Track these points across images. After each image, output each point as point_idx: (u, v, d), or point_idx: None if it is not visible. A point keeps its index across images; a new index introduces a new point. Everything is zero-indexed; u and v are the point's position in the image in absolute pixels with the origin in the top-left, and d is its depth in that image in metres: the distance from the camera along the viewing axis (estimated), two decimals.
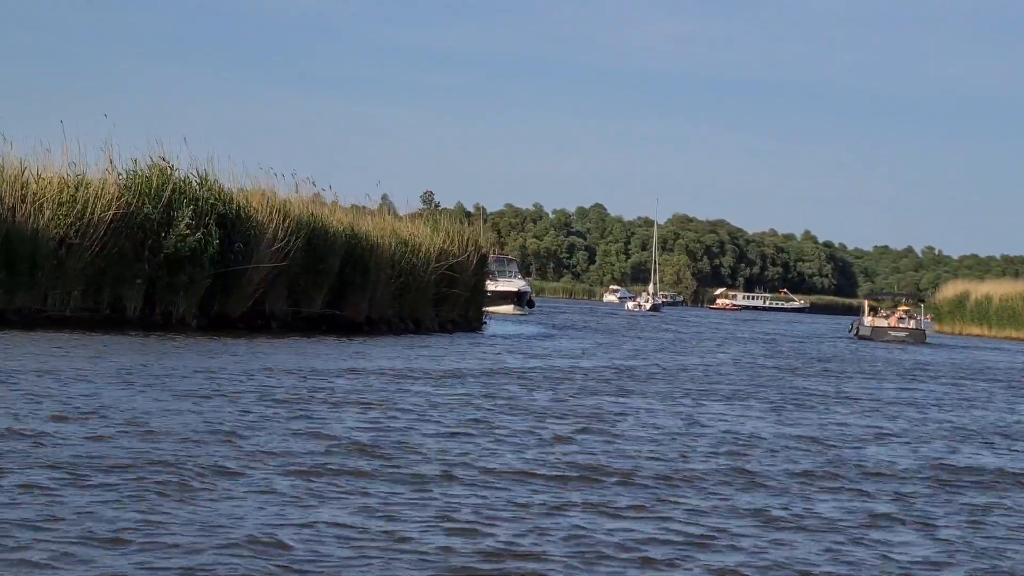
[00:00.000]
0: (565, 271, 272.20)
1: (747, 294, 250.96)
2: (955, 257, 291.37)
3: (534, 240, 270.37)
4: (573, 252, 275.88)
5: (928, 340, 78.04)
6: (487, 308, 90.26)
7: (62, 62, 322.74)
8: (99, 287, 36.66)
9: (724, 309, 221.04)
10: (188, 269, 37.49)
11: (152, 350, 29.12)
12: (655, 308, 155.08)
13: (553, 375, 30.46)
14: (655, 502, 13.26)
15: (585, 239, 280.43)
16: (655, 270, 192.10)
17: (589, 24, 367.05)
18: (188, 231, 37.03)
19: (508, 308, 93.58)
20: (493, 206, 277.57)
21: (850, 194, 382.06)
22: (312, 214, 42.80)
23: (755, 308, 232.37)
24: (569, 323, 79.19)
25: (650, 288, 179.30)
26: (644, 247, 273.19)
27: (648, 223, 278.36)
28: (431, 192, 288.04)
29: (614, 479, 14.54)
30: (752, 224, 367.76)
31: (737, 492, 14.18)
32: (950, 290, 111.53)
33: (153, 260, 37.15)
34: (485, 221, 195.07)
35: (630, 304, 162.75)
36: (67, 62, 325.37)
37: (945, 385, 36.19)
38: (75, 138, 38.24)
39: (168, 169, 38.17)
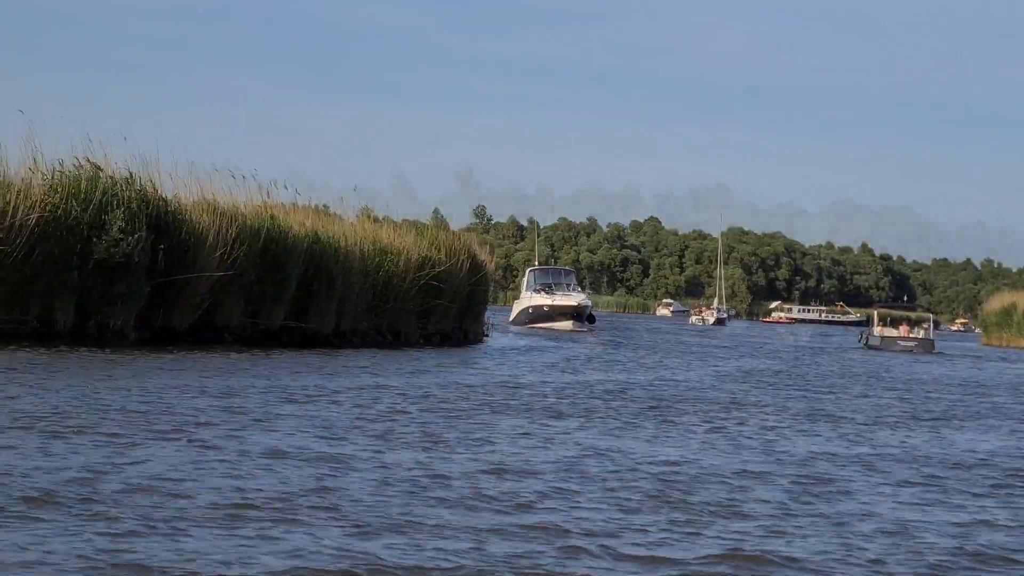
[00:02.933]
0: (619, 285, 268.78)
1: (802, 307, 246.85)
2: (1015, 269, 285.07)
3: (587, 254, 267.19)
4: (627, 266, 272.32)
5: (937, 350, 75.67)
6: (546, 325, 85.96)
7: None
8: (24, 297, 33.75)
9: (778, 322, 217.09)
10: (124, 278, 34.52)
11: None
12: (719, 322, 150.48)
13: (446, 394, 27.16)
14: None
15: (639, 253, 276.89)
16: (720, 284, 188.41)
17: (652, 33, 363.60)
18: (121, 235, 34.04)
19: (567, 324, 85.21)
20: (547, 220, 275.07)
21: (908, 205, 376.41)
22: (272, 217, 39.79)
23: (810, 322, 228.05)
24: (607, 339, 74.57)
25: (714, 302, 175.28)
26: (698, 260, 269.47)
27: (702, 236, 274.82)
28: (483, 206, 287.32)
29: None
30: (808, 237, 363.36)
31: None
32: (997, 302, 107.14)
33: (84, 268, 34.22)
34: (539, 236, 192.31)
35: (693, 318, 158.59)
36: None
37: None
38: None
39: (97, 170, 35.20)
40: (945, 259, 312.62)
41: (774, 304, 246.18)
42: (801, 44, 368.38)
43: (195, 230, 36.34)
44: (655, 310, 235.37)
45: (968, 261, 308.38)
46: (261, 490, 13.00)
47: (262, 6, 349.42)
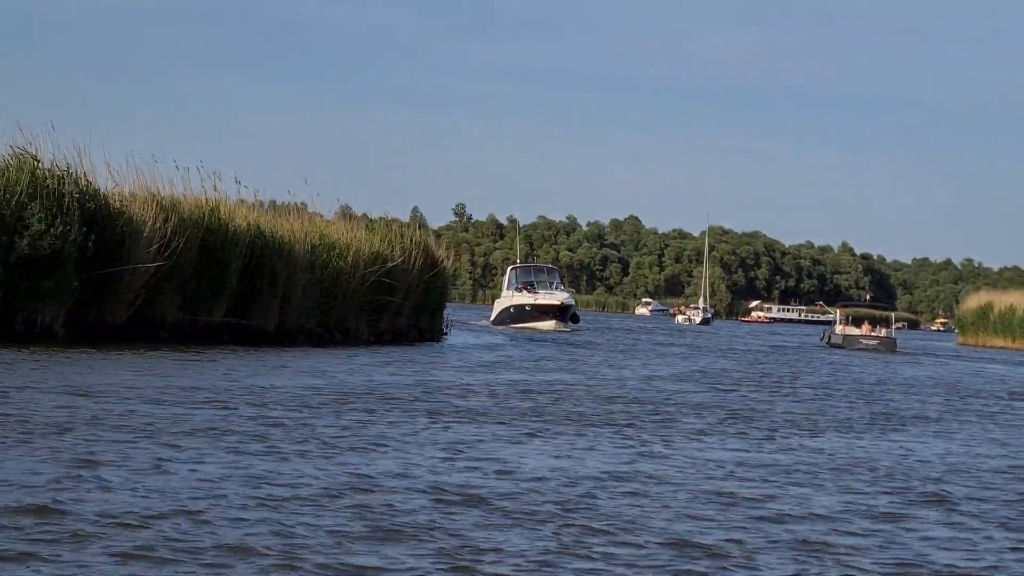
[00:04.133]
0: (598, 284, 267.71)
1: (782, 307, 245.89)
2: (995, 269, 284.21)
3: (567, 252, 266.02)
4: (607, 264, 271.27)
5: (899, 349, 74.84)
6: (527, 325, 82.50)
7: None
8: None
9: (758, 322, 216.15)
10: (52, 272, 33.08)
11: None
12: (705, 321, 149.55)
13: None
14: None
15: (619, 251, 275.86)
16: (705, 283, 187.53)
17: (629, 35, 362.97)
18: (42, 227, 32.59)
19: (550, 324, 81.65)
20: (526, 218, 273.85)
21: (890, 205, 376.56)
22: (212, 210, 38.39)
23: (790, 321, 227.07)
24: (584, 341, 70.72)
25: (699, 301, 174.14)
26: (678, 259, 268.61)
27: (682, 235, 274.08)
28: (463, 204, 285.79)
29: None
30: (789, 236, 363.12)
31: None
32: (973, 301, 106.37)
33: (8, 262, 32.79)
34: (519, 234, 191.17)
35: (679, 317, 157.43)
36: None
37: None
38: None
39: (34, 160, 33.80)
40: (926, 258, 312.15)
41: (753, 303, 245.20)
42: (789, 47, 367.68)
43: (129, 222, 34.90)
44: (634, 309, 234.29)
45: (948, 261, 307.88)
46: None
47: (257, 8, 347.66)
